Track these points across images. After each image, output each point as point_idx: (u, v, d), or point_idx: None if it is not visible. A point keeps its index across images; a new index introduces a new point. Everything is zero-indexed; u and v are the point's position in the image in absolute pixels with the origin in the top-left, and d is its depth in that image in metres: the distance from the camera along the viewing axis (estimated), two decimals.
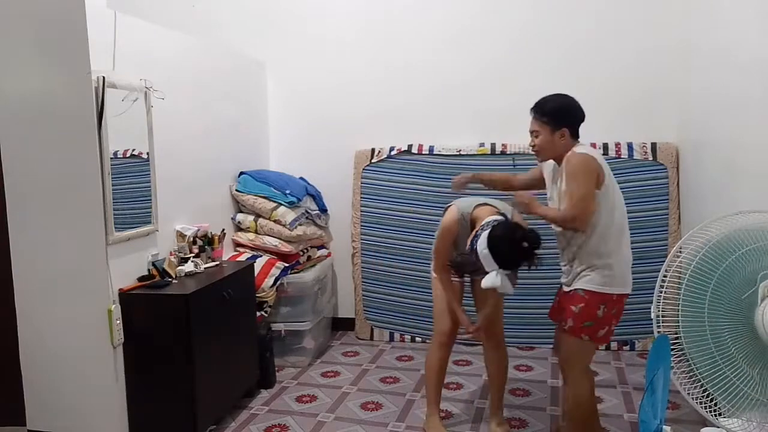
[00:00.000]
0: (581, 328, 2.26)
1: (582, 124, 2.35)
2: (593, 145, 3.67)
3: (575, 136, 2.34)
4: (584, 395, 2.36)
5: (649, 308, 1.99)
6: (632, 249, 2.25)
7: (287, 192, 3.68)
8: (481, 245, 2.22)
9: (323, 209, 4.03)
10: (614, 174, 2.29)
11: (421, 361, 3.65)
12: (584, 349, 2.32)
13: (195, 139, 3.26)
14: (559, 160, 2.33)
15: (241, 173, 3.79)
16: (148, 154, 2.75)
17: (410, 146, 4.01)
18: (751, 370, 1.76)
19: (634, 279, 2.36)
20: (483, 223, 2.36)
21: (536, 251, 2.19)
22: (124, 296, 2.55)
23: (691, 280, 1.83)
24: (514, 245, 2.19)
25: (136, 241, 2.67)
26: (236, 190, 3.71)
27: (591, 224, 2.23)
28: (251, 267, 3.24)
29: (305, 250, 3.81)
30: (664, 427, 1.68)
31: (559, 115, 2.32)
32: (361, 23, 4.07)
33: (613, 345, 3.70)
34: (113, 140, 2.48)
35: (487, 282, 2.21)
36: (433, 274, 2.70)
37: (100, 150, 2.43)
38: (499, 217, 2.37)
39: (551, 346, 3.15)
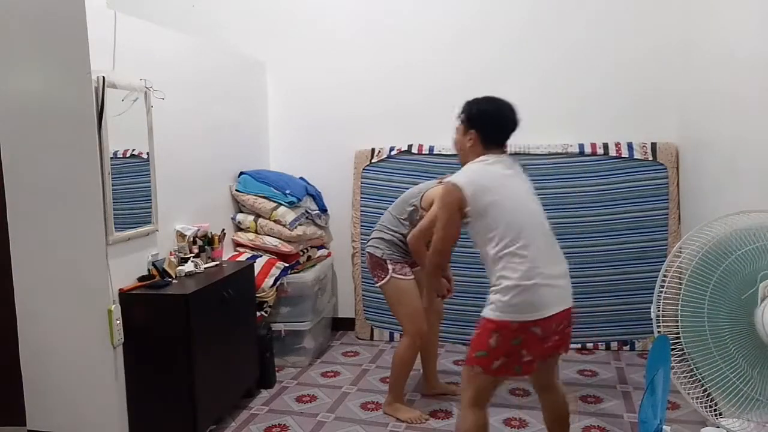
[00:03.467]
0: (474, 358, 2.01)
1: (503, 135, 2.15)
2: (585, 150, 3.69)
3: (488, 146, 2.12)
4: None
5: (649, 308, 1.99)
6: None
7: (287, 192, 3.68)
8: None
9: (323, 209, 4.03)
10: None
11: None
12: (475, 380, 2.03)
13: (195, 139, 3.26)
14: None
15: (241, 173, 3.79)
16: (148, 154, 2.75)
17: (410, 146, 4.01)
18: (751, 370, 1.76)
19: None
20: None
21: None
22: (124, 296, 2.55)
23: (690, 280, 1.83)
24: None
25: (136, 241, 2.67)
26: (236, 190, 3.71)
27: (482, 251, 2.06)
28: (251, 267, 3.24)
29: (305, 250, 3.81)
30: (664, 427, 1.68)
31: (470, 114, 2.14)
32: (361, 23, 4.07)
33: (613, 345, 3.70)
34: (113, 140, 2.48)
35: None
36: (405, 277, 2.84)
37: (100, 150, 2.43)
38: None
39: None
